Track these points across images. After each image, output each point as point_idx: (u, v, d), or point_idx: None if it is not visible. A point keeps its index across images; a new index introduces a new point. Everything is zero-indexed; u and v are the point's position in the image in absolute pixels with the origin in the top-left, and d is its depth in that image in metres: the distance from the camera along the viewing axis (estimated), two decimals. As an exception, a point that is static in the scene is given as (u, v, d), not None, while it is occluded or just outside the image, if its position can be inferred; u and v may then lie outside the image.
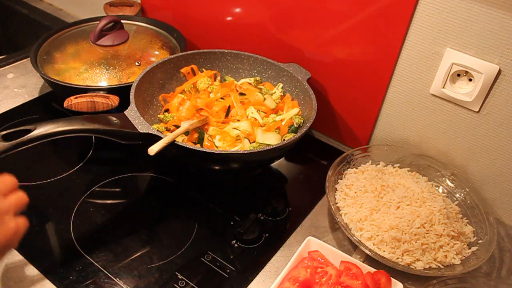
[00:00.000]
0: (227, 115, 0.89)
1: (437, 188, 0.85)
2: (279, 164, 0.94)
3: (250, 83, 0.96)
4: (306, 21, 0.90)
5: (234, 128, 0.85)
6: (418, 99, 0.84)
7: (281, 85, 0.96)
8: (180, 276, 0.71)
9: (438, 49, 0.77)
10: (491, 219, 0.78)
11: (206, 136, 0.84)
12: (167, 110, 0.91)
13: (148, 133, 0.75)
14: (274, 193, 0.88)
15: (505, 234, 0.84)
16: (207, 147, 0.83)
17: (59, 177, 0.86)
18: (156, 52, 1.03)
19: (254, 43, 1.02)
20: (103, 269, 0.71)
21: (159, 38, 1.08)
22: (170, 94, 0.95)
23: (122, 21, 1.06)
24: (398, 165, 0.88)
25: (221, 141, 0.84)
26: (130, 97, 0.82)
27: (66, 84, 0.91)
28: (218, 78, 0.99)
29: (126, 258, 0.73)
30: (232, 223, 0.80)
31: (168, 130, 0.86)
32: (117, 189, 0.85)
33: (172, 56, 0.95)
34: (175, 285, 0.69)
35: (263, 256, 0.75)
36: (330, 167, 0.84)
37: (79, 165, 0.89)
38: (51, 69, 0.97)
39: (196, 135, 0.84)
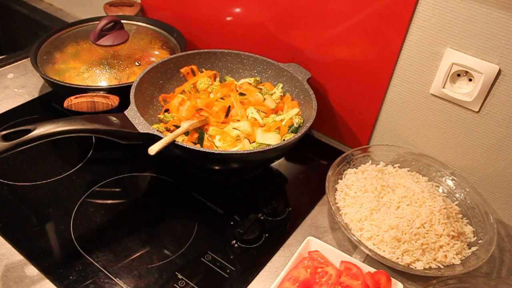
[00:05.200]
0: (227, 115, 0.89)
1: (437, 188, 0.85)
2: (279, 164, 0.94)
3: (250, 83, 0.96)
4: (306, 21, 0.90)
5: (234, 128, 0.85)
6: (418, 99, 0.84)
7: (281, 85, 0.96)
8: (180, 276, 0.71)
9: (438, 49, 0.77)
10: (491, 219, 0.78)
11: (206, 136, 0.84)
12: (167, 110, 0.91)
13: (148, 133, 0.75)
14: (274, 193, 0.87)
15: (505, 234, 0.84)
16: (207, 147, 0.83)
17: (59, 177, 0.86)
18: (156, 52, 1.03)
19: (254, 43, 1.02)
20: (103, 269, 0.71)
21: (159, 38, 1.08)
22: (170, 94, 0.95)
23: (122, 21, 1.06)
24: (398, 165, 0.88)
25: (221, 141, 0.84)
26: (130, 97, 0.82)
27: (66, 84, 0.91)
28: (218, 78, 0.99)
29: (126, 258, 0.73)
30: (232, 223, 0.80)
31: (168, 130, 0.86)
32: (117, 189, 0.85)
33: (172, 56, 0.95)
34: (175, 285, 0.69)
35: (263, 256, 0.75)
36: (330, 167, 0.84)
37: (79, 165, 0.89)
38: (51, 69, 0.97)
39: (196, 135, 0.84)
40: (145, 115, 0.87)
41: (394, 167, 0.88)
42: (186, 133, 0.83)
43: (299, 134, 0.79)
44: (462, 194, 0.84)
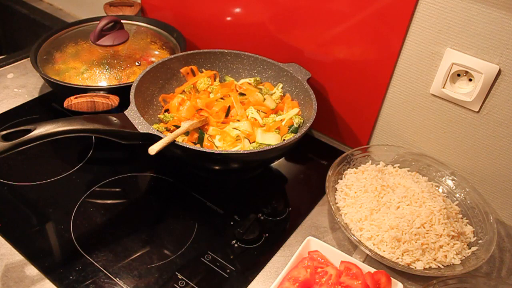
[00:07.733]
0: (227, 115, 0.89)
1: (437, 188, 0.85)
2: (279, 164, 0.94)
3: (250, 83, 0.96)
4: (306, 21, 0.90)
5: (234, 128, 0.85)
6: (418, 99, 0.84)
7: (281, 85, 0.96)
8: (180, 276, 0.71)
9: (438, 49, 0.77)
10: (491, 219, 0.78)
11: (206, 136, 0.84)
12: (167, 110, 0.91)
13: (148, 133, 0.75)
14: (274, 193, 0.87)
15: (505, 234, 0.84)
16: (207, 147, 0.83)
17: (59, 177, 0.86)
18: (156, 52, 1.03)
19: (254, 43, 1.02)
20: (103, 269, 0.71)
21: (159, 38, 1.08)
22: (170, 94, 0.95)
23: (122, 21, 1.06)
24: (398, 165, 0.88)
25: (221, 141, 0.84)
26: (130, 97, 0.82)
27: (66, 84, 0.91)
28: (218, 78, 0.99)
29: (126, 258, 0.73)
30: (232, 223, 0.80)
31: (168, 130, 0.86)
32: (117, 189, 0.85)
33: (172, 56, 0.95)
34: (175, 285, 0.69)
35: (263, 256, 0.75)
36: (330, 167, 0.84)
37: (79, 165, 0.89)
38: (51, 69, 0.97)
39: (196, 135, 0.84)
40: (145, 115, 0.87)
41: (394, 167, 0.88)
42: (186, 133, 0.84)
43: (299, 134, 0.79)
44: (462, 194, 0.84)
